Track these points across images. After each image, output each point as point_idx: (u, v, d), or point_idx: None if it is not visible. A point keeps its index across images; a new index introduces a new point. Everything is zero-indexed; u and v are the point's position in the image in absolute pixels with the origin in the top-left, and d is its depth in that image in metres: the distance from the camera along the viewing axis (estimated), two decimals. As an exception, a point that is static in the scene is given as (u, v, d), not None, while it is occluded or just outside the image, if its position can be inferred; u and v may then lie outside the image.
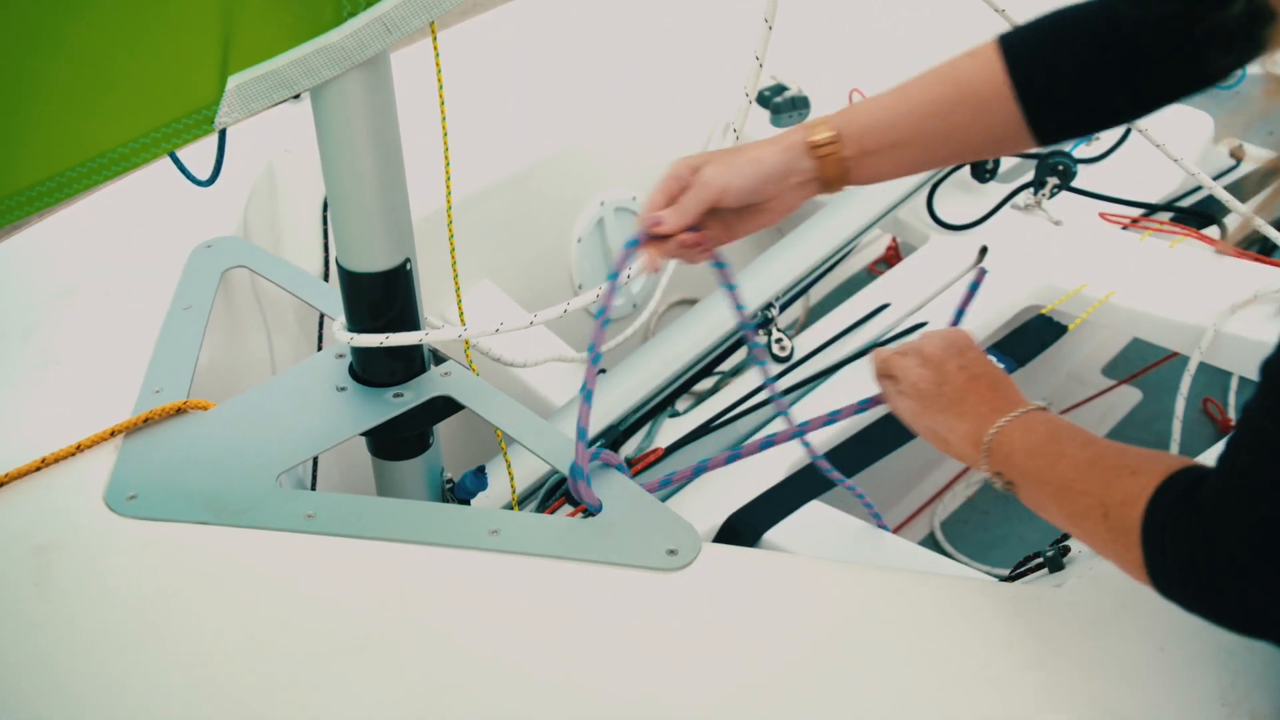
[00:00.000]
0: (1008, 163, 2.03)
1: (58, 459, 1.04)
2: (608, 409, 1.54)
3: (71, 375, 1.19)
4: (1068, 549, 1.02)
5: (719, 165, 0.93)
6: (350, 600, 0.92)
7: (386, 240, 1.04)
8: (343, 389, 1.14)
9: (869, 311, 1.67)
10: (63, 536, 0.97)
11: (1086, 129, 0.97)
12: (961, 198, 1.86)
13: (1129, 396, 2.24)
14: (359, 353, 1.13)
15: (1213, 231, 1.82)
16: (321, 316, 1.51)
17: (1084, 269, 1.67)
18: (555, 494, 1.40)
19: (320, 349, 1.53)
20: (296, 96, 0.93)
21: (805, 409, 1.52)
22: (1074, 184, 1.84)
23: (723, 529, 1.31)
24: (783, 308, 1.69)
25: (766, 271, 1.73)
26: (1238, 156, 2.22)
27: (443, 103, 1.10)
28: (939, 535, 2.04)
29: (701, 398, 1.60)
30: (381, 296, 1.07)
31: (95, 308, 1.29)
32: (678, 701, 0.83)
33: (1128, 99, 0.92)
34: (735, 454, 1.10)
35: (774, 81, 2.07)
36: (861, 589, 0.93)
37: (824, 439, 1.44)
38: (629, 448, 1.51)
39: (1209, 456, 0.89)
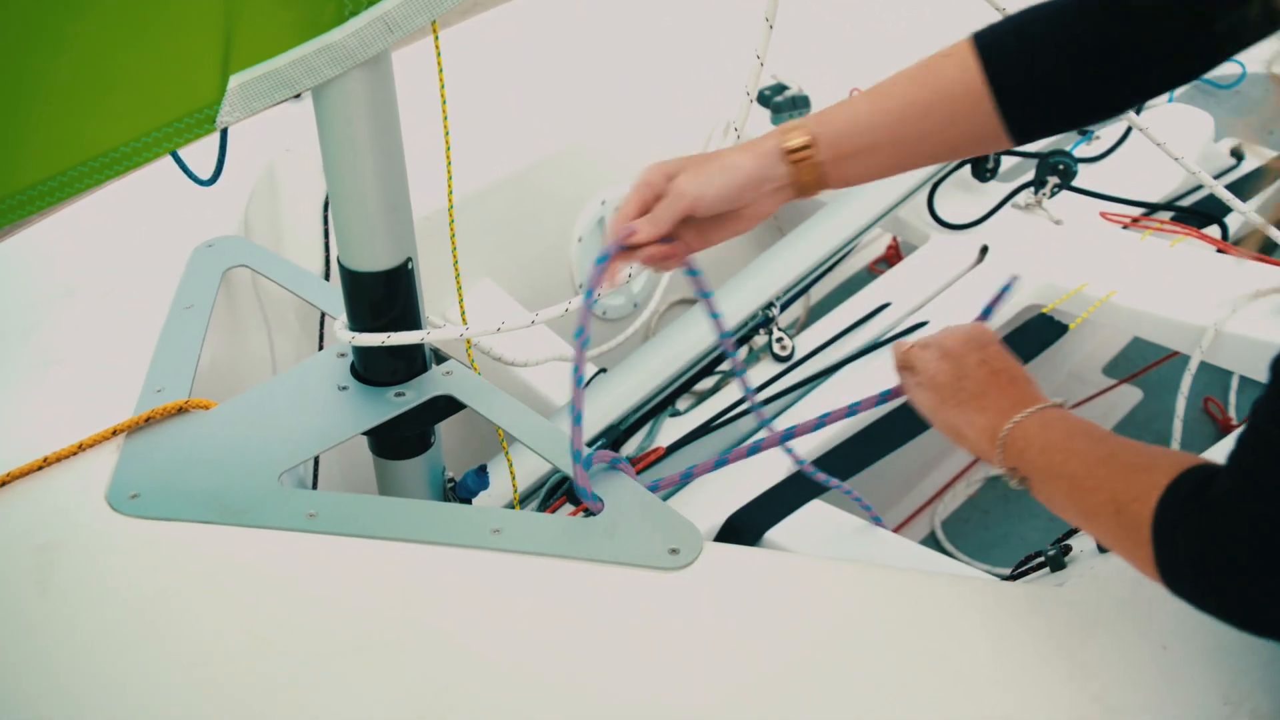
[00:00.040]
0: (1008, 161, 2.03)
1: (59, 458, 1.04)
2: (608, 408, 1.54)
3: (73, 374, 1.19)
4: (1069, 548, 1.02)
5: (692, 174, 0.92)
6: (352, 599, 0.92)
7: (388, 239, 1.04)
8: (344, 388, 1.14)
9: (870, 311, 1.67)
10: (64, 536, 0.97)
11: (1063, 128, 0.96)
12: (962, 197, 1.86)
13: (1130, 396, 2.24)
14: (360, 352, 1.13)
15: (1213, 231, 1.82)
16: (323, 315, 1.51)
17: (1084, 268, 1.67)
18: (557, 493, 1.40)
19: (321, 348, 1.53)
20: (297, 96, 0.93)
21: (806, 408, 1.52)
22: (1074, 183, 1.84)
23: (724, 528, 1.31)
24: (783, 307, 1.69)
25: (767, 270, 1.73)
26: (1239, 155, 2.22)
27: (444, 102, 1.10)
28: (940, 534, 2.04)
29: (702, 397, 1.60)
30: (383, 296, 1.07)
31: (96, 307, 1.29)
32: (680, 701, 0.83)
33: (1103, 97, 0.91)
34: (723, 459, 1.10)
35: (774, 81, 2.07)
36: (863, 588, 0.93)
37: (824, 439, 1.44)
38: (630, 447, 1.51)
39: (1213, 455, 0.89)
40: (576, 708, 0.83)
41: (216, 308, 1.29)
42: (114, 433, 1.07)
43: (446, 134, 1.12)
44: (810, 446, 1.44)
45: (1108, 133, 2.09)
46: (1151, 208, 1.86)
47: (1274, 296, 1.54)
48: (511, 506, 1.36)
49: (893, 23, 2.27)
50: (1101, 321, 1.66)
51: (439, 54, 1.06)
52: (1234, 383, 2.21)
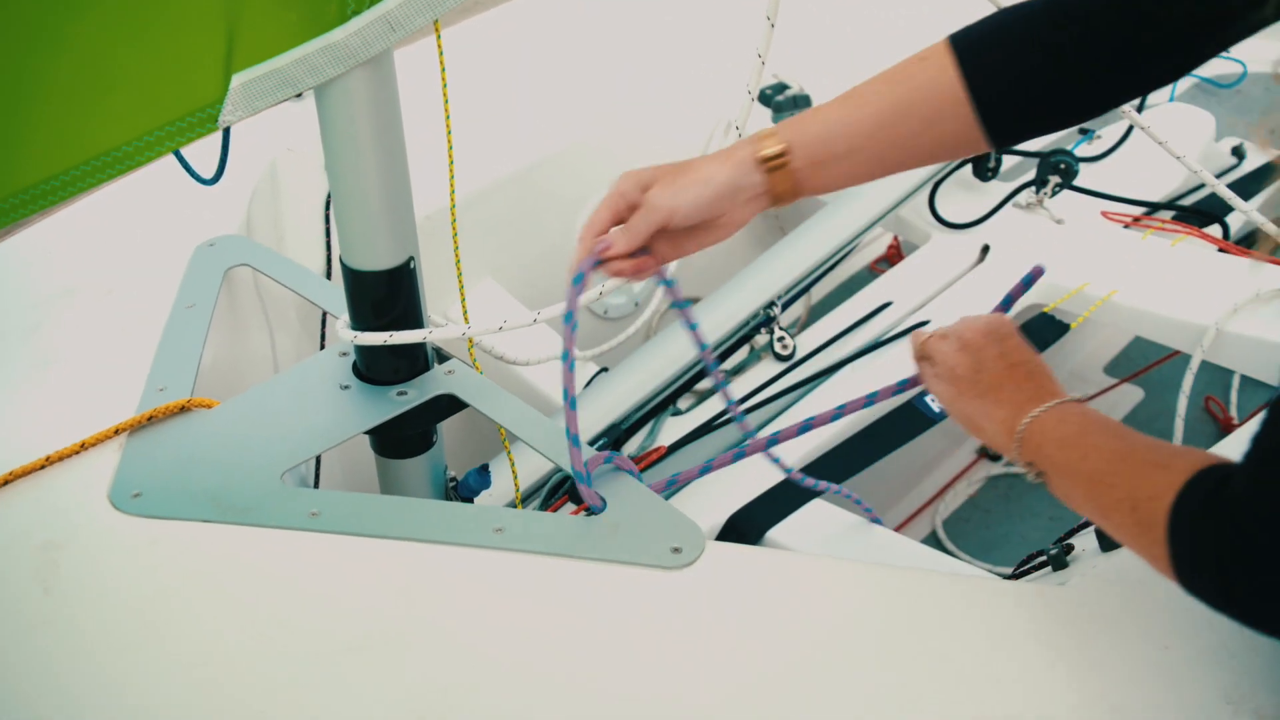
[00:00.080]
0: (1009, 161, 2.03)
1: (62, 457, 1.04)
2: (610, 407, 1.54)
3: (75, 374, 1.19)
4: (1071, 547, 1.02)
5: (666, 187, 0.91)
6: (354, 599, 0.92)
7: (390, 239, 1.04)
8: (346, 387, 1.14)
9: (871, 310, 1.67)
10: (67, 534, 0.97)
11: (1043, 131, 0.96)
12: (963, 196, 1.86)
13: (1131, 395, 2.24)
14: (362, 351, 1.13)
15: (1215, 230, 1.82)
16: (324, 315, 1.51)
17: (1086, 267, 1.67)
18: (558, 492, 1.40)
19: (323, 347, 1.54)
20: (299, 95, 0.93)
21: (807, 407, 1.52)
22: (1076, 182, 1.84)
23: (725, 527, 1.31)
24: (785, 306, 1.69)
25: (768, 270, 1.73)
26: (1240, 154, 2.22)
27: (446, 101, 1.10)
28: (941, 534, 2.04)
29: (703, 396, 1.60)
30: (385, 295, 1.07)
31: (98, 306, 1.29)
32: (682, 699, 0.83)
33: (1085, 100, 0.91)
34: (707, 467, 1.10)
35: (775, 80, 2.07)
36: (865, 587, 0.93)
37: (825, 438, 1.45)
38: (631, 446, 1.52)
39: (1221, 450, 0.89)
40: (579, 707, 0.83)
41: (218, 307, 1.29)
42: (116, 432, 1.07)
43: (449, 133, 1.12)
44: (811, 446, 1.45)
45: (1109, 132, 2.09)
46: (1153, 207, 1.86)
47: (1275, 295, 1.54)
48: (513, 506, 1.36)
49: (894, 21, 2.27)
50: (1103, 321, 1.66)
51: (441, 53, 1.06)
52: (1235, 382, 2.21)
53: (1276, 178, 2.06)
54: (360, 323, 1.09)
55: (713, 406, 1.55)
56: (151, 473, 1.03)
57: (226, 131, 1.09)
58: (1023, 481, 2.28)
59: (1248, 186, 2.07)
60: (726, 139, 1.30)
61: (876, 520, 1.27)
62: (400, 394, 1.12)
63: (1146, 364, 2.25)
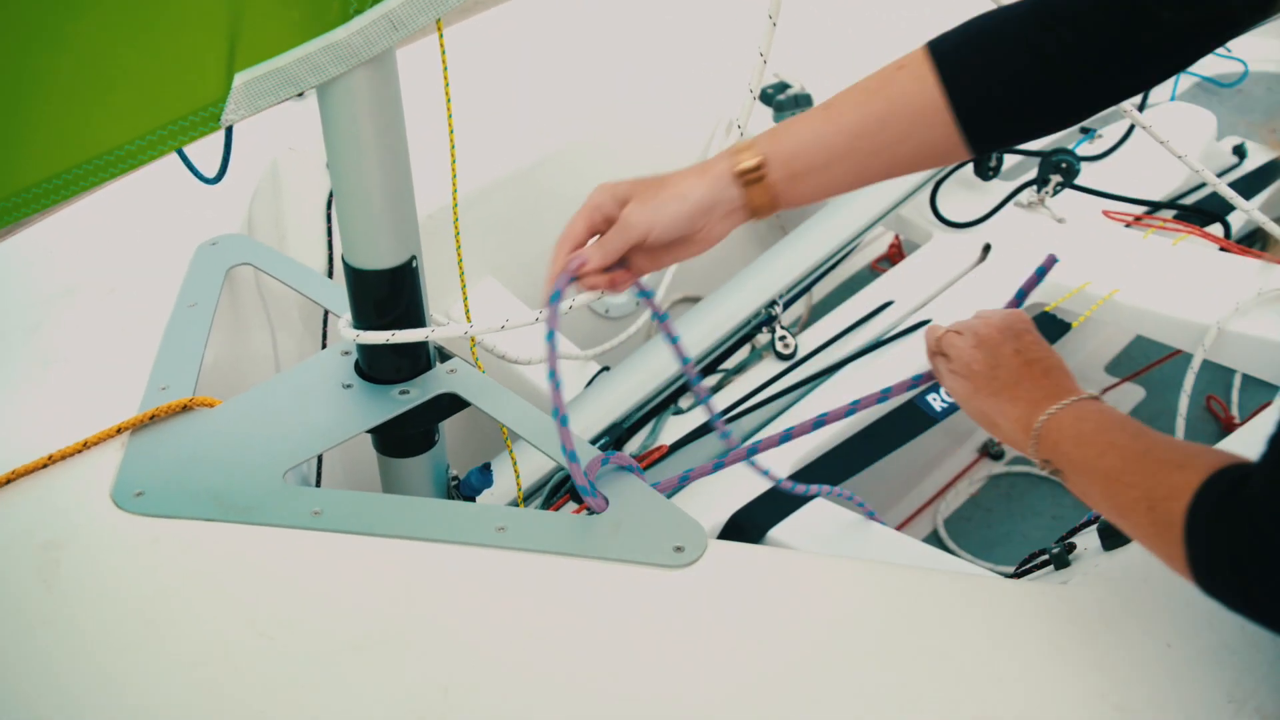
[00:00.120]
0: (1010, 160, 2.03)
1: (64, 456, 1.04)
2: (611, 406, 1.54)
3: (77, 373, 1.19)
4: (1073, 546, 1.02)
5: (642, 203, 0.91)
6: (356, 597, 0.92)
7: (393, 237, 1.04)
8: (348, 386, 1.14)
9: (872, 309, 1.67)
10: (69, 533, 0.97)
11: (1026, 136, 0.95)
12: (964, 195, 1.86)
13: (1132, 394, 2.25)
14: (365, 350, 1.13)
15: (1216, 229, 1.82)
16: (326, 313, 1.51)
17: (1087, 267, 1.67)
18: (560, 490, 1.40)
19: (324, 346, 1.54)
20: (300, 94, 0.93)
21: (809, 406, 1.52)
22: (1077, 181, 1.84)
23: (727, 526, 1.31)
24: (786, 305, 1.70)
25: (770, 269, 1.73)
26: (1241, 153, 2.22)
27: (449, 100, 1.10)
28: (942, 533, 2.04)
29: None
30: (387, 294, 1.07)
31: (100, 305, 1.29)
32: (685, 698, 0.83)
33: (1072, 102, 0.90)
34: (685, 476, 1.10)
35: (777, 79, 2.07)
36: (867, 585, 0.93)
37: (826, 437, 1.45)
38: (633, 445, 1.52)
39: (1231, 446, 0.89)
40: (581, 705, 0.83)
41: (220, 306, 1.29)
42: (118, 431, 1.07)
43: (451, 132, 1.12)
44: (811, 446, 1.45)
45: (1110, 131, 2.09)
46: (1154, 206, 1.86)
47: (1277, 295, 1.54)
48: (515, 504, 1.36)
49: (895, 20, 2.27)
50: (1104, 320, 1.66)
51: (443, 52, 1.06)
52: (1236, 381, 2.21)
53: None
54: (362, 321, 1.09)
55: (714, 406, 1.54)
56: (154, 472, 1.03)
57: (229, 130, 1.09)
58: (1024, 480, 2.31)
59: (1249, 186, 2.07)
60: (728, 138, 1.30)
61: (878, 519, 1.27)
62: (402, 393, 1.12)
63: (1148, 363, 2.25)
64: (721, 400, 1.55)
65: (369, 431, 1.12)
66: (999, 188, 1.85)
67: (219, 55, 0.88)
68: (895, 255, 2.40)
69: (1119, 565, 0.93)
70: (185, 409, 1.10)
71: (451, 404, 1.14)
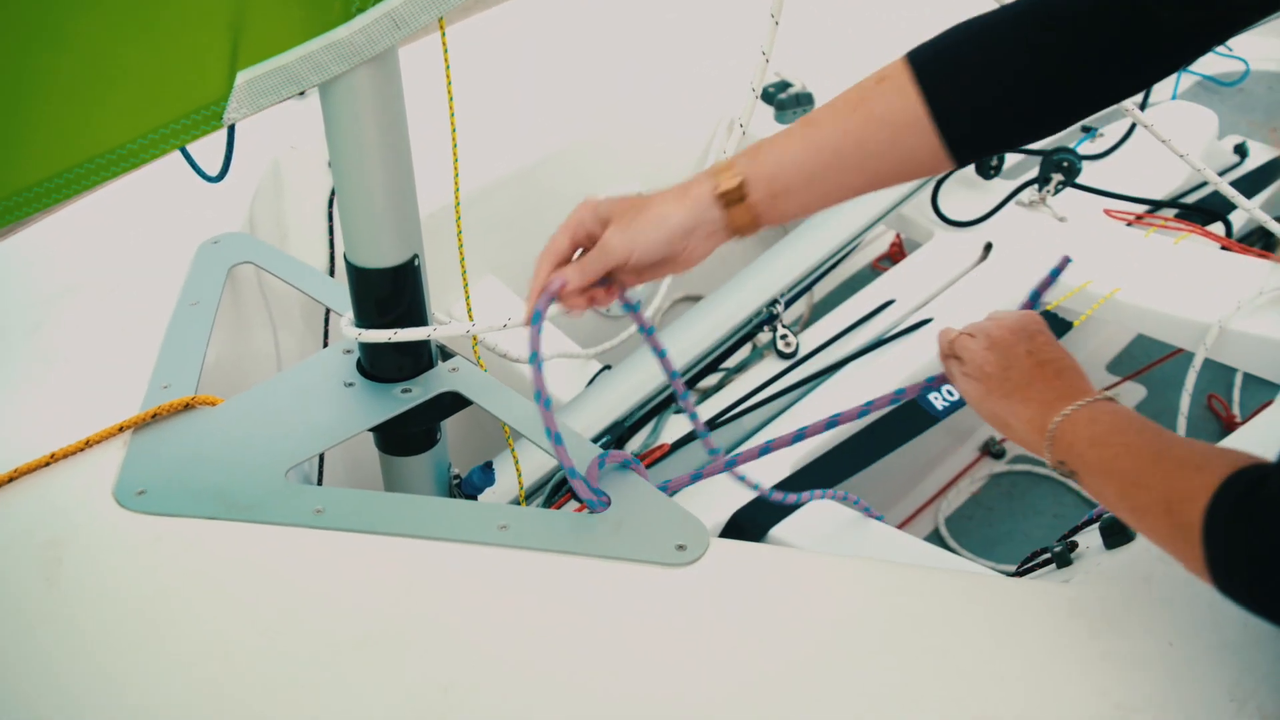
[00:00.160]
0: (1012, 159, 2.03)
1: (66, 454, 1.04)
2: (613, 405, 1.54)
3: (79, 371, 1.19)
4: (1075, 544, 1.02)
5: (622, 228, 0.91)
6: (358, 596, 0.92)
7: (395, 236, 1.04)
8: (350, 384, 1.14)
9: (874, 308, 1.67)
10: (72, 532, 0.97)
11: (1012, 144, 0.94)
12: (966, 194, 1.86)
13: (1133, 393, 2.25)
14: (367, 348, 1.13)
15: (1217, 228, 1.82)
16: (327, 312, 1.51)
17: (1089, 265, 1.67)
18: (562, 489, 1.40)
19: (326, 345, 1.54)
20: (302, 93, 0.93)
21: (810, 405, 1.52)
22: (1078, 180, 1.84)
23: (729, 524, 1.31)
24: (788, 304, 1.70)
25: (771, 268, 1.73)
26: (1243, 152, 2.22)
27: (451, 99, 1.10)
28: (943, 531, 2.04)
29: (706, 394, 1.60)
30: (390, 292, 1.07)
31: (102, 304, 1.29)
32: (687, 697, 0.83)
33: (1069, 104, 0.89)
34: (664, 485, 1.10)
35: (778, 78, 2.07)
36: (868, 584, 0.93)
37: (827, 437, 1.45)
38: (634, 443, 1.52)
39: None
40: (583, 704, 0.83)
41: (222, 304, 1.29)
42: (120, 429, 1.07)
43: (454, 130, 1.12)
44: (812, 445, 1.45)
45: (1111, 130, 2.09)
46: (1155, 205, 1.87)
47: (1278, 293, 1.54)
48: (517, 503, 1.36)
49: (896, 19, 2.27)
50: (1105, 318, 1.66)
51: (445, 50, 1.06)
52: (1238, 379, 2.21)
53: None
54: (364, 320, 1.09)
55: (716, 404, 1.55)
56: (156, 470, 1.03)
57: (231, 129, 1.09)
58: (1025, 479, 2.31)
59: (1251, 184, 2.07)
60: (730, 137, 1.30)
61: (878, 518, 1.28)
62: (404, 391, 1.12)
63: (1149, 362, 2.25)
64: (723, 399, 1.55)
65: (371, 430, 1.12)
66: (1000, 186, 1.85)
67: (221, 53, 0.88)
68: (896, 254, 2.41)
69: (1121, 564, 0.93)
70: (187, 407, 1.10)
71: (453, 402, 1.14)
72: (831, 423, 1.08)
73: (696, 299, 2.06)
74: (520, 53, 1.96)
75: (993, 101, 0.87)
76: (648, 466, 1.44)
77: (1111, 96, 0.88)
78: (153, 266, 1.36)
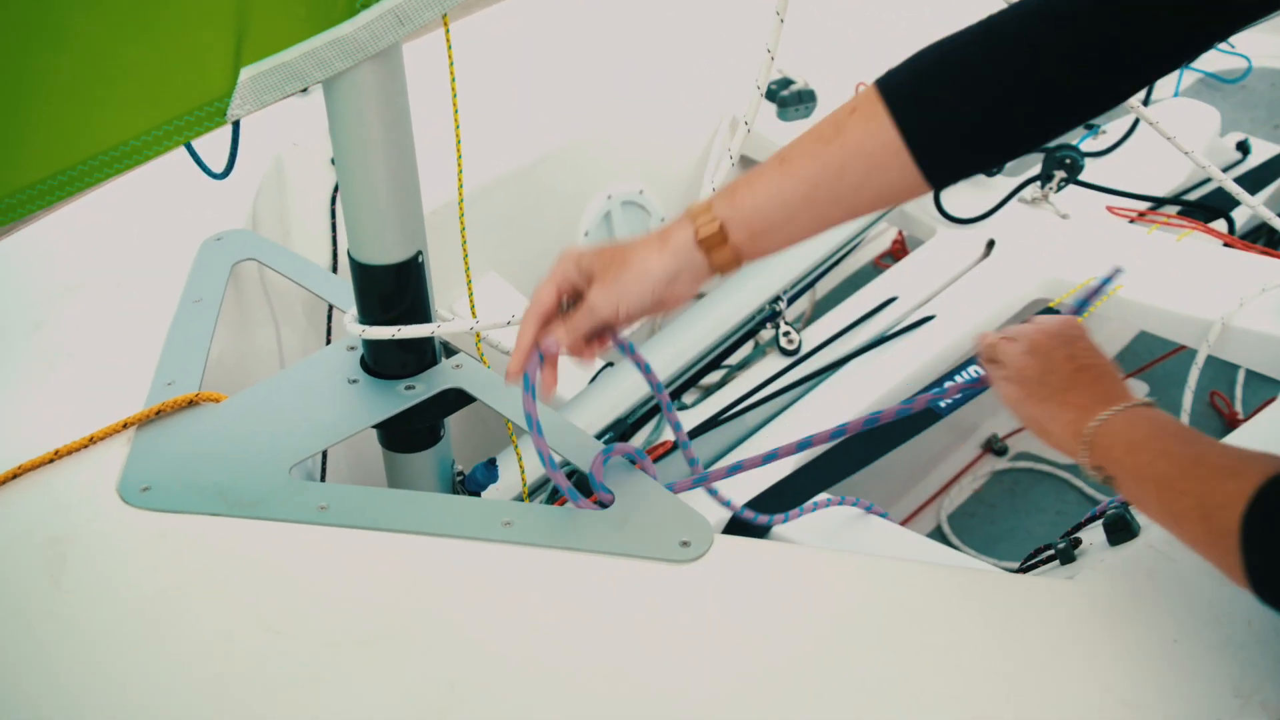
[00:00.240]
0: (1014, 156, 2.02)
1: (70, 451, 1.04)
2: (615, 402, 1.54)
3: (83, 368, 1.19)
4: (1079, 541, 1.02)
5: (606, 287, 0.92)
6: (363, 592, 0.92)
7: (399, 233, 1.04)
8: (354, 381, 1.14)
9: (876, 305, 1.67)
10: (76, 528, 0.97)
11: (990, 165, 0.94)
12: (968, 191, 1.86)
13: (1136, 390, 2.24)
14: (370, 345, 1.13)
15: (1220, 225, 1.82)
16: (330, 309, 1.51)
17: (1091, 262, 1.67)
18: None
19: (329, 341, 1.54)
20: (304, 90, 0.93)
21: (813, 403, 1.52)
22: (1081, 177, 1.83)
23: (732, 521, 1.31)
24: (790, 301, 1.69)
25: (773, 265, 1.73)
26: (1245, 149, 2.22)
27: (455, 95, 1.10)
28: (946, 529, 2.04)
29: (709, 391, 1.60)
30: (393, 289, 1.07)
31: (106, 301, 1.29)
32: (691, 693, 0.83)
33: (1068, 105, 0.88)
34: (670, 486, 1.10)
35: (780, 75, 2.07)
36: (872, 580, 0.93)
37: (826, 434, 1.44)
38: (637, 440, 1.52)
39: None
40: (587, 700, 0.83)
41: (225, 301, 1.29)
42: (124, 426, 1.07)
43: (457, 127, 1.12)
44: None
45: (1114, 127, 2.09)
46: (1158, 202, 1.86)
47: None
48: (520, 499, 1.36)
49: (898, 15, 2.27)
50: (1108, 315, 1.66)
51: (449, 47, 1.06)
52: (1240, 376, 2.21)
53: None
54: (368, 317, 1.09)
55: (718, 401, 1.54)
56: (160, 467, 1.03)
57: (236, 125, 1.09)
58: (1028, 476, 2.30)
59: (1253, 181, 2.07)
60: (735, 136, 1.29)
61: (883, 515, 1.27)
62: (408, 388, 1.12)
63: (1152, 359, 2.25)
64: (725, 396, 1.55)
65: (374, 427, 1.12)
66: (1003, 183, 1.85)
67: (225, 50, 0.88)
68: (899, 251, 2.41)
69: (1125, 560, 0.93)
70: (191, 404, 1.10)
71: (457, 399, 1.14)
72: (804, 444, 1.09)
73: (698, 297, 2.06)
74: (522, 49, 1.96)
75: (970, 126, 0.87)
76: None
77: (1110, 99, 0.88)
78: (155, 264, 1.36)
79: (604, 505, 0.99)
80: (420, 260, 1.07)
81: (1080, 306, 1.04)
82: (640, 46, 2.04)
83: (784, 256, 1.74)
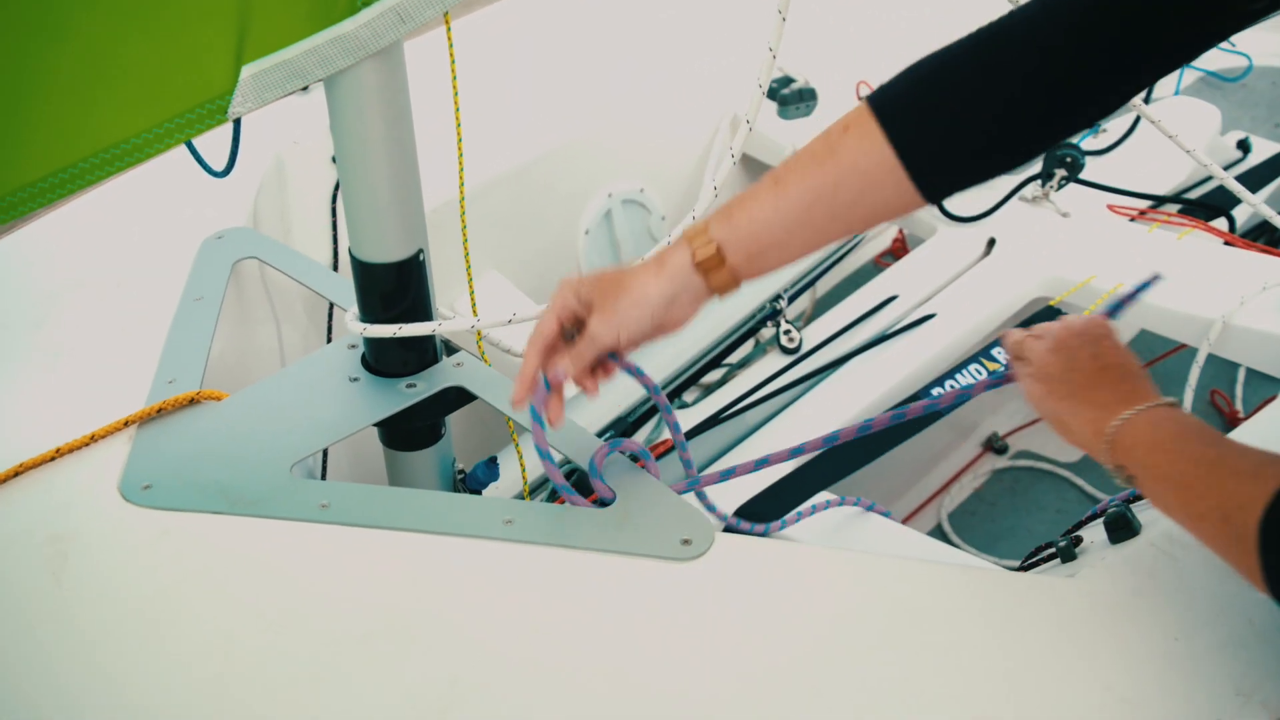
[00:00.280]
0: (1015, 155, 2.02)
1: (72, 449, 1.04)
2: (617, 400, 1.54)
3: (84, 366, 1.19)
4: (1079, 539, 1.02)
5: (605, 317, 0.92)
6: (364, 590, 0.92)
7: (400, 231, 1.04)
8: (355, 379, 1.14)
9: (877, 303, 1.67)
10: (77, 526, 0.97)
11: (995, 174, 0.94)
12: (969, 190, 1.85)
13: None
14: (372, 343, 1.13)
15: (1221, 223, 1.82)
16: (331, 307, 1.51)
17: (1092, 261, 1.67)
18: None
19: (329, 340, 1.54)
20: (305, 88, 0.93)
21: (813, 401, 1.52)
22: (1082, 175, 1.83)
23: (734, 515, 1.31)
24: (791, 299, 1.69)
25: (774, 263, 1.73)
26: (1245, 148, 2.22)
27: (456, 94, 1.10)
28: (946, 527, 2.04)
29: (710, 389, 1.60)
30: (395, 287, 1.07)
31: (107, 299, 1.29)
32: (692, 691, 0.83)
33: (1043, 133, 0.88)
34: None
35: (781, 73, 2.07)
36: (873, 578, 0.93)
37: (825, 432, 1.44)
38: (637, 439, 1.52)
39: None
40: (588, 698, 0.83)
41: (225, 299, 1.29)
42: (126, 424, 1.07)
43: (459, 125, 1.12)
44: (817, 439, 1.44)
45: (1115, 125, 2.09)
46: (1159, 200, 1.86)
47: (1282, 289, 1.54)
48: (521, 498, 1.36)
49: (899, 13, 2.27)
50: (1109, 314, 1.66)
51: (451, 45, 1.06)
52: (1241, 375, 2.21)
53: None
54: (369, 315, 1.09)
55: (719, 399, 1.54)
56: (161, 465, 1.03)
57: (237, 123, 1.09)
58: (1028, 475, 2.30)
59: (1254, 180, 2.07)
60: (735, 134, 1.29)
61: (885, 514, 1.27)
62: (409, 386, 1.12)
63: (1152, 357, 2.25)
64: (726, 394, 1.55)
65: (375, 425, 1.12)
66: (1003, 182, 1.85)
67: (227, 47, 0.88)
68: (899, 249, 2.40)
69: (1126, 558, 0.93)
70: (192, 402, 1.10)
71: (458, 397, 1.14)
72: (796, 451, 1.09)
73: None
74: (523, 48, 1.96)
75: (978, 135, 0.87)
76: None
77: (1117, 99, 0.87)
78: (156, 262, 1.36)
79: (605, 503, 0.99)
80: (421, 258, 1.07)
81: (1114, 309, 1.04)
82: (641, 45, 2.04)
83: (785, 255, 1.75)
